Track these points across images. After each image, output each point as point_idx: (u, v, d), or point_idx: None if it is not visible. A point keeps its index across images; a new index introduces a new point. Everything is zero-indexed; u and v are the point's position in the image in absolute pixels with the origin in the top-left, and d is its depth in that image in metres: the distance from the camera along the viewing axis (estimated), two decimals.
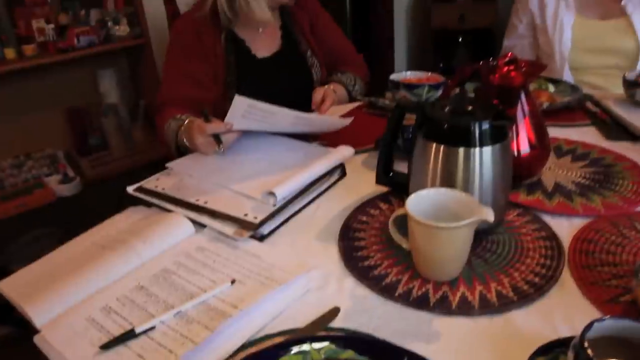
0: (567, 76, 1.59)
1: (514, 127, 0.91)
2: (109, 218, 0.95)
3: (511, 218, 0.84)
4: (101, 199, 1.81)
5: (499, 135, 0.75)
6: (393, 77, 1.37)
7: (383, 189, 0.93)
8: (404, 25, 3.50)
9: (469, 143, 0.73)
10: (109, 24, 2.03)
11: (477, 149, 0.74)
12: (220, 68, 1.33)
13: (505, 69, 0.91)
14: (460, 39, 3.31)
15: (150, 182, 0.98)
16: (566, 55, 1.58)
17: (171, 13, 1.63)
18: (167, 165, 1.05)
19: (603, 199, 0.88)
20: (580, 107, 1.32)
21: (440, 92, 1.33)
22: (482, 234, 0.78)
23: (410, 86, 1.31)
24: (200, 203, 0.89)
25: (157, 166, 1.08)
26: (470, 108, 0.76)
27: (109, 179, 2.12)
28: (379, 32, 3.47)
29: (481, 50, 3.24)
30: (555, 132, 1.15)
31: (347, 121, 1.10)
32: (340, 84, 1.39)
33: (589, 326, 0.50)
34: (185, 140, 1.11)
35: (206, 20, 1.33)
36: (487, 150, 0.74)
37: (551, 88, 1.39)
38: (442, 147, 0.75)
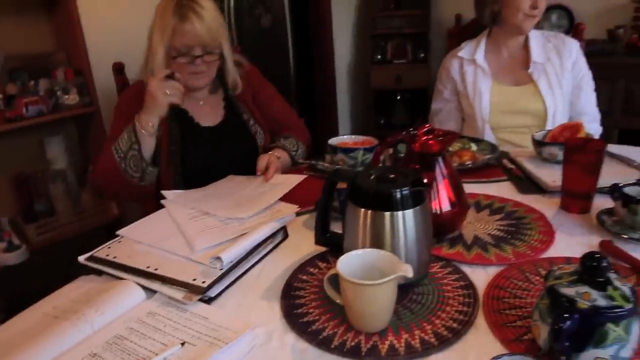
0: (488, 135, 1.77)
1: (435, 188, 1.03)
2: (57, 286, 0.97)
3: (435, 270, 0.94)
4: (48, 266, 1.80)
5: (418, 199, 0.86)
6: (331, 141, 1.49)
7: (322, 248, 1.02)
8: (346, 87, 3.73)
9: (392, 208, 0.84)
10: (58, 93, 2.07)
11: (400, 212, 0.84)
12: (164, 137, 1.40)
13: (424, 138, 1.04)
14: (398, 97, 3.56)
15: (102, 251, 1.03)
16: (486, 117, 1.77)
17: (121, 84, 1.71)
18: (118, 232, 1.10)
19: (514, 248, 1.00)
20: (498, 164, 1.48)
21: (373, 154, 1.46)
22: (409, 286, 0.88)
23: (346, 150, 1.44)
24: (151, 270, 0.94)
25: (106, 230, 1.13)
26: (392, 176, 0.88)
27: (55, 245, 2.10)
28: (324, 94, 3.67)
29: (417, 107, 3.50)
30: (476, 188, 1.29)
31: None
32: (283, 149, 1.49)
33: None
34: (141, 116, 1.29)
35: None
36: (409, 212, 0.85)
37: (474, 147, 1.55)
38: (369, 212, 0.85)
